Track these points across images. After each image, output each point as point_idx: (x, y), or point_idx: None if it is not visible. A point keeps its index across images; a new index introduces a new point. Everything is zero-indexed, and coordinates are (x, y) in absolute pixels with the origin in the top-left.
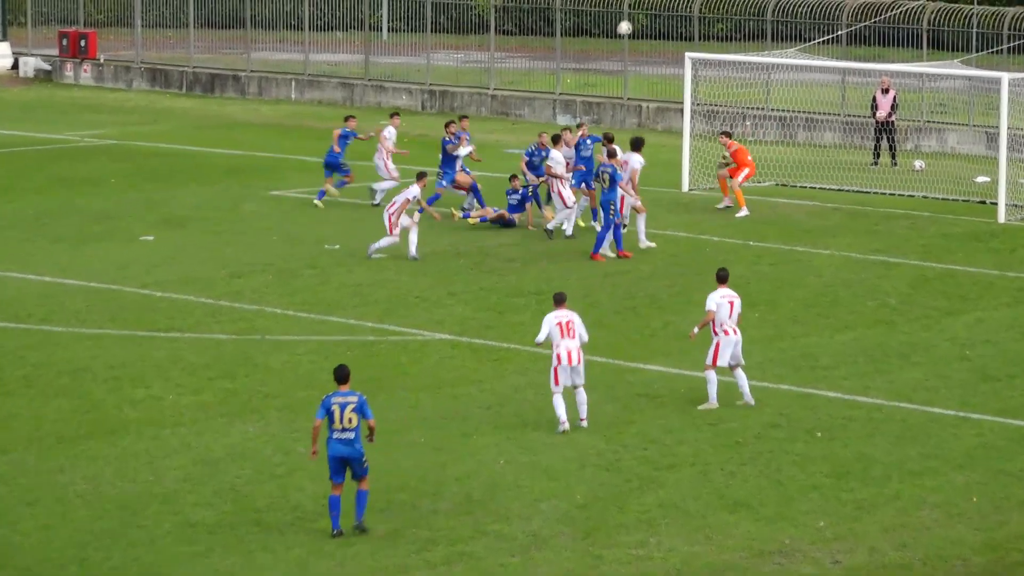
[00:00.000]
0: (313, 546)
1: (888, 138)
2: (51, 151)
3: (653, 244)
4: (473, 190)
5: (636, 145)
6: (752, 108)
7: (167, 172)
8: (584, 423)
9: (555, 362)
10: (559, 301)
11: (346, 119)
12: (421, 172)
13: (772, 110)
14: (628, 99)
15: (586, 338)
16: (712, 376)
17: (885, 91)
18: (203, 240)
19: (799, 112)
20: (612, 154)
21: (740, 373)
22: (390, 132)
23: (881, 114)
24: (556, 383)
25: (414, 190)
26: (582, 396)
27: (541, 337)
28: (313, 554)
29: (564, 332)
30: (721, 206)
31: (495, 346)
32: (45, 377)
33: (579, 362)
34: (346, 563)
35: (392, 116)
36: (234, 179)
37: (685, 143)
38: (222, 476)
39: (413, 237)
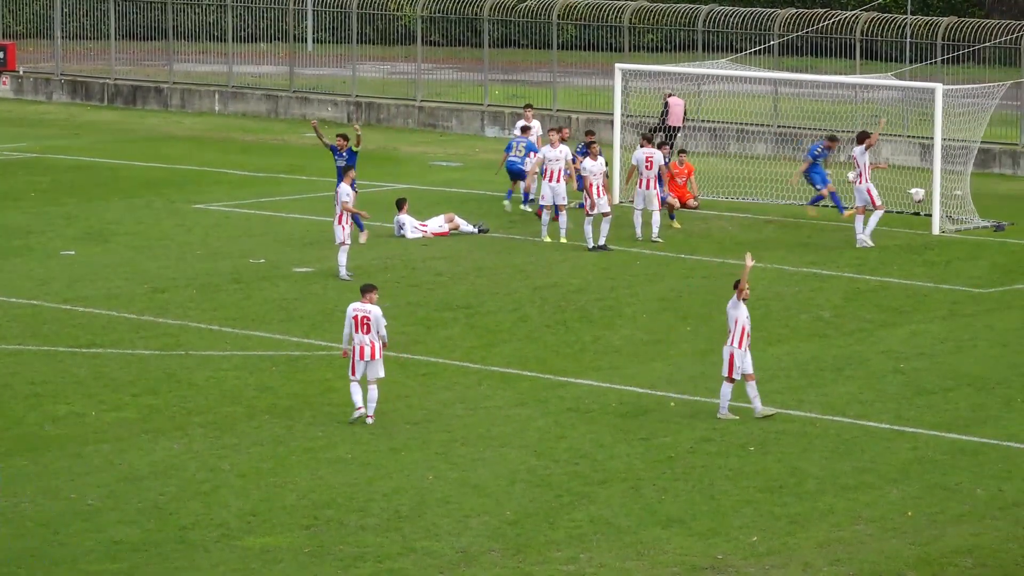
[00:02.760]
0: (238, 563)
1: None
2: None
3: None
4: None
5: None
6: (683, 120)
7: (88, 186)
8: (371, 420)
9: (353, 355)
10: (364, 291)
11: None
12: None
13: (703, 121)
14: (557, 110)
15: (384, 334)
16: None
17: (671, 96)
18: (125, 255)
19: (731, 123)
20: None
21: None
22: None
23: (675, 121)
24: (353, 373)
25: (344, 188)
26: (372, 393)
27: (345, 333)
28: (238, 571)
29: (359, 326)
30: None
31: (423, 360)
32: None
33: (372, 357)
34: None
35: (526, 107)
36: (157, 193)
37: (616, 155)
38: (146, 493)
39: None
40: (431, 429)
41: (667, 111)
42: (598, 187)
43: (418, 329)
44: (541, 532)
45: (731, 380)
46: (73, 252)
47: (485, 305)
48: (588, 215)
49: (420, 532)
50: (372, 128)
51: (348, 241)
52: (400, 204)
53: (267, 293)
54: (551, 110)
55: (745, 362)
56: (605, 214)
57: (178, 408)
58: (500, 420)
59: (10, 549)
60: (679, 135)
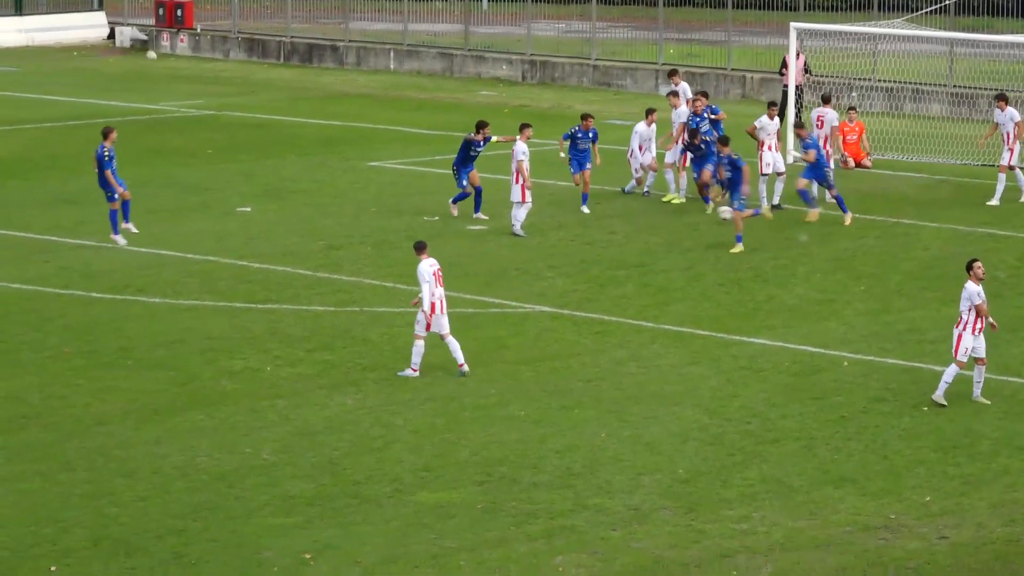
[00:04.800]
0: (412, 518)
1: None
2: (147, 122)
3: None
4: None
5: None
6: (858, 79)
7: (264, 143)
8: (465, 368)
9: (429, 310)
10: (422, 248)
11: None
12: (524, 124)
13: (879, 81)
14: (732, 70)
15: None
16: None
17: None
18: (301, 212)
19: (906, 83)
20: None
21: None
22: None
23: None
24: (428, 329)
25: (520, 147)
26: (453, 343)
27: (427, 291)
28: (412, 526)
29: (438, 280)
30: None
31: (596, 319)
32: (142, 349)
33: (443, 311)
34: (445, 535)
35: (671, 74)
36: (331, 150)
37: (790, 115)
38: (320, 448)
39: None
40: (604, 387)
41: (785, 72)
42: (772, 146)
43: (591, 287)
44: (713, 490)
45: (958, 363)
46: (249, 209)
47: (658, 263)
48: (762, 174)
49: (592, 489)
50: (546, 87)
51: (528, 200)
52: (649, 113)
53: (441, 250)
54: (726, 69)
55: (971, 346)
56: (779, 173)
57: (352, 364)
58: (673, 378)
59: (186, 503)
60: (803, 93)
